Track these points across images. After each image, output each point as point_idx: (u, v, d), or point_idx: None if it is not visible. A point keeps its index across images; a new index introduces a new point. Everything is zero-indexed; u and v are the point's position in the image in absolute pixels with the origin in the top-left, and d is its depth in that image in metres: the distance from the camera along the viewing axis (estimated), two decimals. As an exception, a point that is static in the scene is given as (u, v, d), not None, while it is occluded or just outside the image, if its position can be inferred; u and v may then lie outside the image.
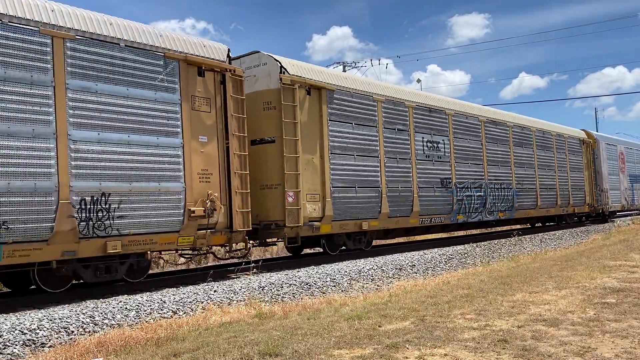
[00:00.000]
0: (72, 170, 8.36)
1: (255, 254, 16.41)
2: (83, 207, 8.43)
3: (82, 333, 6.68)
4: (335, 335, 5.36)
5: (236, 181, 10.54)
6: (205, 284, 9.63)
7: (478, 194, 17.49)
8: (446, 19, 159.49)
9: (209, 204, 9.93)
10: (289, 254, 15.30)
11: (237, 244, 10.82)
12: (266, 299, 8.61)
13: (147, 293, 8.92)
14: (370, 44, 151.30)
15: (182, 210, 9.57)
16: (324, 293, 9.42)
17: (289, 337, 5.40)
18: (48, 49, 8.23)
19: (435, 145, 15.86)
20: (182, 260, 14.19)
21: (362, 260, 13.02)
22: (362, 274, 11.04)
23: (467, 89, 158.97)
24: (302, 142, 12.03)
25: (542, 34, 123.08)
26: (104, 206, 8.66)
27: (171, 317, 7.55)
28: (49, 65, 8.23)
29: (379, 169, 13.88)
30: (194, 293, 8.70)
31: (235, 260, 12.27)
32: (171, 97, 9.64)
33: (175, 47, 9.88)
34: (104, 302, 8.10)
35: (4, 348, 5.99)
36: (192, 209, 9.68)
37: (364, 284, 10.28)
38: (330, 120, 12.74)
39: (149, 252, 9.28)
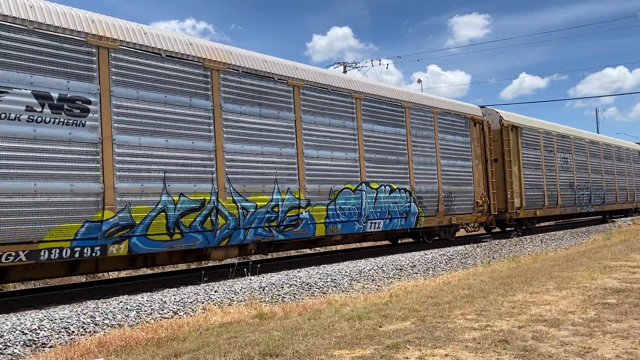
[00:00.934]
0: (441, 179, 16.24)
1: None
2: (445, 197, 16.10)
3: (83, 333, 6.68)
4: (335, 335, 5.36)
5: (490, 185, 18.12)
6: (206, 284, 9.64)
7: (587, 192, 25.11)
8: (446, 19, 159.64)
9: (483, 198, 17.54)
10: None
11: (490, 222, 18.42)
12: (267, 299, 8.61)
13: (148, 293, 8.93)
14: (371, 44, 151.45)
15: (472, 202, 17.16)
16: (324, 293, 9.42)
17: (290, 337, 5.40)
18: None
19: (566, 160, 23.64)
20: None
21: (363, 260, 13.03)
22: (362, 274, 11.05)
23: (467, 89, 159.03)
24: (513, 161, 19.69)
25: (543, 34, 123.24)
26: (448, 198, 16.24)
27: (172, 317, 7.55)
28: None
29: (542, 176, 21.43)
30: (195, 293, 8.70)
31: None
32: (467, 139, 17.28)
33: (466, 111, 17.72)
34: (105, 302, 8.10)
35: (5, 348, 5.99)
36: (477, 201, 17.34)
37: (364, 284, 10.28)
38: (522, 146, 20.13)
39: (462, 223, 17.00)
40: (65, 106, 8.38)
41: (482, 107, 19.45)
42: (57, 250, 8.11)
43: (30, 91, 8.04)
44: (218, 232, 10.20)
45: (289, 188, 11.57)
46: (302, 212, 11.76)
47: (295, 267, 12.06)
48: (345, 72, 36.06)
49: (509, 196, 19.06)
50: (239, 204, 10.58)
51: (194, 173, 9.96)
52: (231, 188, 10.48)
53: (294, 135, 11.85)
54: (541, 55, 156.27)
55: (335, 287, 9.93)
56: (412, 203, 14.71)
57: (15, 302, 8.43)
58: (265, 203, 11.06)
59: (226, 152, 10.48)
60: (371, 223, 13.52)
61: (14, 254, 7.72)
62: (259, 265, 11.20)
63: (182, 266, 15.36)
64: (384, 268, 11.75)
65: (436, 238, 16.64)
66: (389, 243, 17.69)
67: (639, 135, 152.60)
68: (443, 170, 16.09)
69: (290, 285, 9.64)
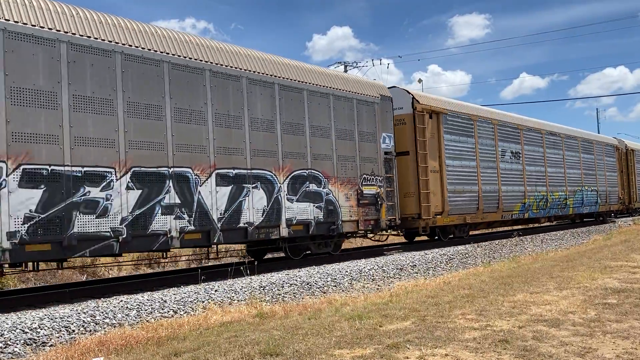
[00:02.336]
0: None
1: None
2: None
3: (83, 332, 6.69)
4: (336, 335, 5.36)
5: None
6: (206, 283, 9.64)
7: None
8: (446, 19, 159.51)
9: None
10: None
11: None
12: (267, 299, 8.61)
13: (148, 292, 8.93)
14: (371, 44, 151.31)
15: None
16: (324, 293, 9.42)
17: (290, 336, 5.40)
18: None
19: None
20: (184, 259, 14.27)
21: (363, 260, 13.03)
22: (363, 274, 11.05)
23: (467, 89, 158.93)
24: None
25: (543, 34, 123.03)
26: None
27: (172, 316, 7.55)
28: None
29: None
30: (195, 292, 8.71)
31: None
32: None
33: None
34: (105, 301, 8.10)
35: (5, 347, 5.99)
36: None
37: (364, 284, 10.28)
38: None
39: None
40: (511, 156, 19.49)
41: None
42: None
43: (510, 151, 19.60)
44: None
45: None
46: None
47: (295, 266, 12.05)
48: (345, 71, 36.11)
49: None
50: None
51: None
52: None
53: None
54: (541, 55, 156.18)
55: (335, 286, 9.94)
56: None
57: (16, 301, 8.43)
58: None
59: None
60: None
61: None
62: (256, 264, 11.19)
63: (182, 265, 15.38)
64: (384, 268, 11.75)
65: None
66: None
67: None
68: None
69: (291, 284, 9.65)
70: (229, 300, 8.40)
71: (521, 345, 4.69)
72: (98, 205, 8.70)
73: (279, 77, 11.90)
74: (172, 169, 9.71)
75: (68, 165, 8.42)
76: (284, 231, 11.56)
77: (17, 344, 6.10)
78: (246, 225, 10.82)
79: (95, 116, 8.84)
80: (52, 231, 8.15)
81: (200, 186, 10.13)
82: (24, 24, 8.24)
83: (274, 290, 9.20)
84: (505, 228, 21.97)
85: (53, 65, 8.44)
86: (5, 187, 7.73)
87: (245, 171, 10.94)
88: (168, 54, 9.96)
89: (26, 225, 7.88)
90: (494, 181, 18.62)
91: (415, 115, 15.54)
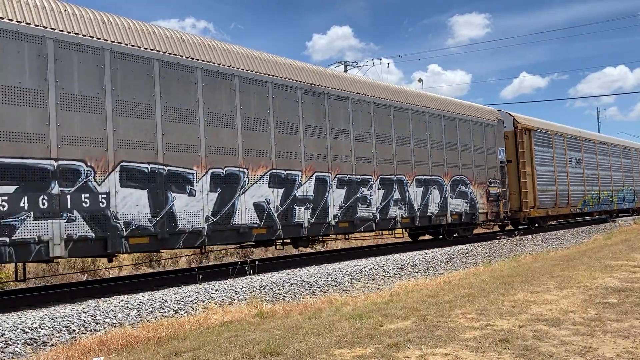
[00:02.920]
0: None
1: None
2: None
3: (84, 332, 6.69)
4: (336, 334, 5.36)
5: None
6: (206, 283, 9.64)
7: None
8: (446, 18, 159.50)
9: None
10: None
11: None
12: (267, 298, 8.61)
13: (149, 292, 8.93)
14: (371, 43, 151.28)
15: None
16: (325, 292, 9.42)
17: (290, 336, 5.40)
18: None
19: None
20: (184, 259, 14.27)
21: (364, 260, 13.03)
22: (363, 273, 11.05)
23: (467, 89, 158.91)
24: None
25: (543, 33, 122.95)
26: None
27: (172, 316, 7.55)
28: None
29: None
30: (196, 292, 8.71)
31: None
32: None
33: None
34: (106, 301, 8.11)
35: (6, 347, 6.00)
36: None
37: (365, 284, 10.28)
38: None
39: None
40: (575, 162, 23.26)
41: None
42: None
43: (575, 158, 24.17)
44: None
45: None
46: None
47: (295, 266, 12.06)
48: (346, 70, 36.09)
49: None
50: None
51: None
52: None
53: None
54: (541, 54, 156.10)
55: (336, 286, 9.94)
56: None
57: (17, 300, 8.43)
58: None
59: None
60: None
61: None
62: (257, 263, 11.20)
63: (182, 265, 15.38)
64: (384, 267, 11.75)
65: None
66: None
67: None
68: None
69: (291, 284, 9.65)
70: (230, 300, 8.40)
71: (521, 345, 4.69)
72: (366, 199, 13.71)
73: (457, 113, 17.56)
74: (396, 176, 14.73)
75: (353, 175, 13.53)
76: (449, 219, 16.56)
77: (18, 344, 6.10)
78: (430, 214, 15.73)
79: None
80: (348, 215, 13.15)
81: (408, 187, 15.06)
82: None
83: (274, 289, 9.21)
84: (569, 220, 28.21)
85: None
86: (330, 188, 12.77)
87: (429, 177, 15.89)
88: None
89: (340, 211, 12.90)
90: (565, 182, 23.65)
91: (517, 132, 20.54)
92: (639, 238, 15.42)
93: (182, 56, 10.13)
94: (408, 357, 4.51)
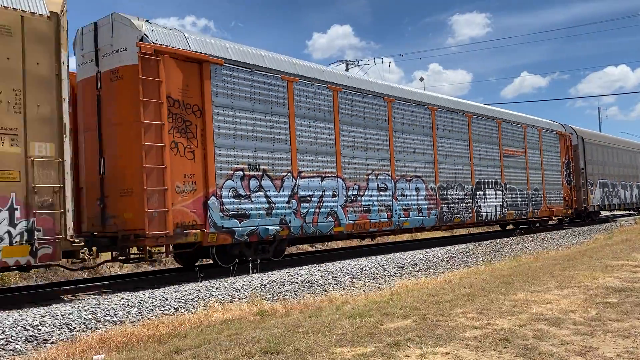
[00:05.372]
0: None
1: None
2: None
3: (84, 330, 6.70)
4: (336, 333, 5.36)
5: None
6: (207, 281, 9.65)
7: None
8: (446, 17, 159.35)
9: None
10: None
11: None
12: (268, 297, 8.61)
13: (149, 290, 8.94)
14: (372, 42, 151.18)
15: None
16: (325, 291, 9.42)
17: (291, 334, 5.40)
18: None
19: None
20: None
21: (364, 258, 13.03)
22: (364, 272, 11.05)
23: (468, 88, 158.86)
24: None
25: (544, 33, 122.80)
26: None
27: (173, 314, 7.56)
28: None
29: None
30: (196, 290, 8.71)
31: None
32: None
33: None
34: (106, 298, 8.11)
35: (7, 344, 6.00)
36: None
37: (365, 282, 10.28)
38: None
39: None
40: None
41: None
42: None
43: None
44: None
45: None
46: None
47: (296, 264, 12.06)
48: (347, 69, 36.09)
49: None
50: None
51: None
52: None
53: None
54: (542, 54, 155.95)
55: (336, 285, 9.94)
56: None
57: (17, 298, 8.45)
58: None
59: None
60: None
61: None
62: (258, 261, 11.21)
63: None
64: (385, 266, 11.75)
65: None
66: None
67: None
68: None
69: (292, 282, 9.65)
70: (230, 298, 8.40)
71: (522, 344, 4.69)
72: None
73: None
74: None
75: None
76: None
77: (19, 341, 6.11)
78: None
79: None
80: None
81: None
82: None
83: (275, 288, 9.21)
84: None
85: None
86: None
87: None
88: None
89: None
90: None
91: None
92: (639, 238, 15.40)
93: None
94: (408, 356, 4.52)
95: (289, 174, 11.59)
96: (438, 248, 15.28)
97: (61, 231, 8.04)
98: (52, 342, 6.23)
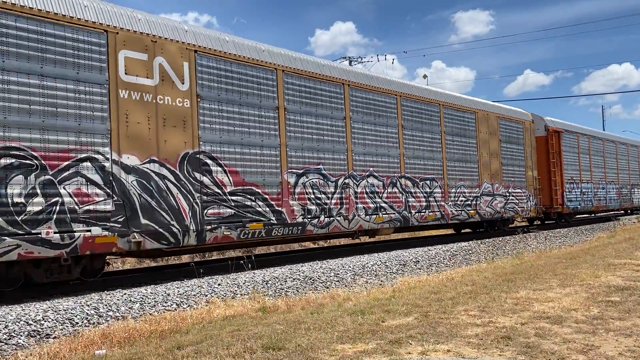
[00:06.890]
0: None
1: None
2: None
3: (87, 325, 6.72)
4: (338, 330, 5.37)
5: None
6: (209, 277, 9.66)
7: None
8: (449, 15, 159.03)
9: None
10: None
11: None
12: (270, 293, 8.63)
13: (152, 286, 8.96)
14: (375, 39, 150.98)
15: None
16: (327, 288, 9.43)
17: (292, 331, 5.41)
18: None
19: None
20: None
21: (366, 255, 13.03)
22: (365, 269, 11.05)
23: (471, 85, 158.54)
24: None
25: (547, 30, 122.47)
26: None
27: (175, 309, 7.58)
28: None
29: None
30: (198, 286, 8.73)
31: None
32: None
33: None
34: (109, 294, 8.13)
35: (9, 339, 6.03)
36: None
37: (367, 280, 10.29)
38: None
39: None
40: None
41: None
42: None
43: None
44: None
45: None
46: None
47: (298, 261, 12.08)
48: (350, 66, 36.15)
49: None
50: None
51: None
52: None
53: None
54: (546, 51, 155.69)
55: (338, 281, 9.95)
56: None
57: (20, 293, 8.47)
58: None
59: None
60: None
61: None
62: (253, 258, 11.21)
63: (185, 258, 15.40)
64: (387, 263, 11.75)
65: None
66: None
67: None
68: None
69: (294, 279, 9.66)
70: (232, 295, 8.42)
71: (523, 342, 4.69)
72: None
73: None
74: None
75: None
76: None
77: (21, 336, 6.13)
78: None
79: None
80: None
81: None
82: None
83: (277, 284, 9.22)
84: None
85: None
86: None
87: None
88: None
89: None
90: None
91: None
92: (642, 237, 15.37)
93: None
94: (410, 353, 4.52)
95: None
96: (440, 246, 15.27)
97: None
98: (55, 337, 6.25)
